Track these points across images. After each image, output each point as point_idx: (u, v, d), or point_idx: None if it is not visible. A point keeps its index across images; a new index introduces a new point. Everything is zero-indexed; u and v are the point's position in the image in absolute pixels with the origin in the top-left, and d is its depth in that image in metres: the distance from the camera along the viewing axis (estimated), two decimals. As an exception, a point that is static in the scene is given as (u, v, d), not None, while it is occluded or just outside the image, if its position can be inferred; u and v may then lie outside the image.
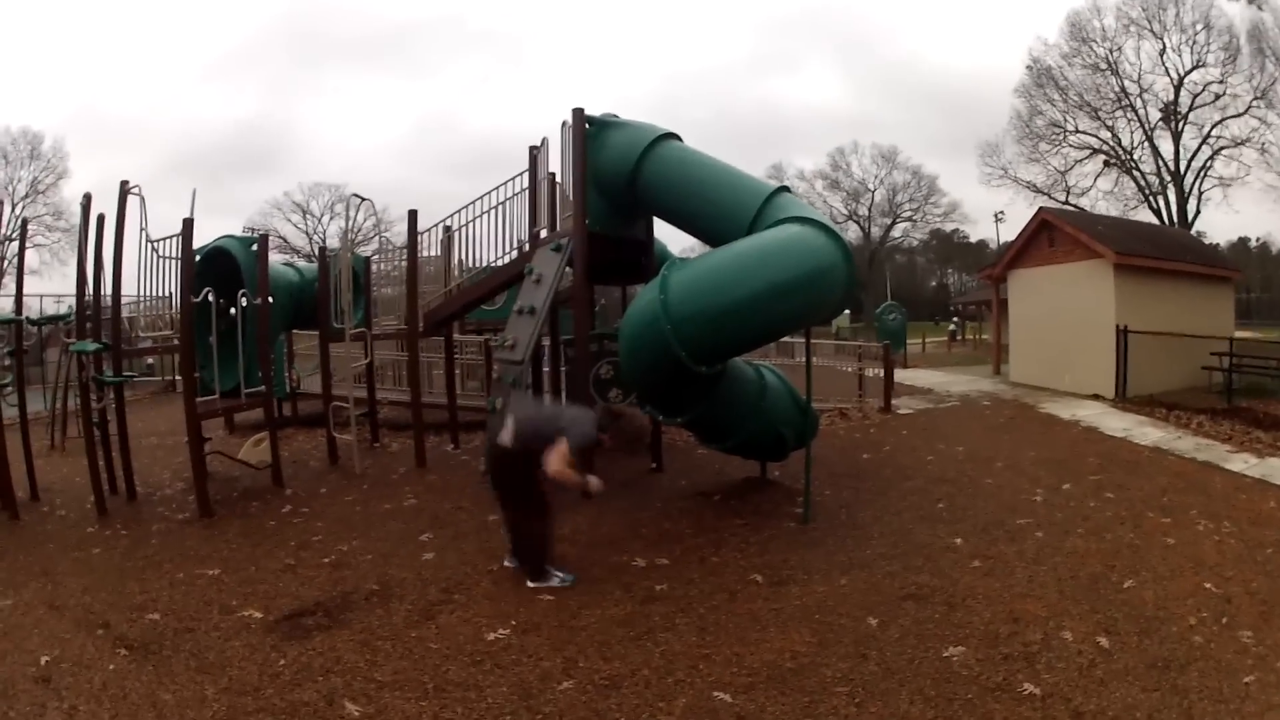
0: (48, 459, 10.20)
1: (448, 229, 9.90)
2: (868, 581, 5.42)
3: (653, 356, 6.08)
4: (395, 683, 4.22)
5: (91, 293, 8.25)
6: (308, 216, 51.72)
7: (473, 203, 9.46)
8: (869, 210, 61.13)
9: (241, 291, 8.65)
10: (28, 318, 8.86)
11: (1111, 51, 35.58)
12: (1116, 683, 4.05)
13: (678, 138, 7.76)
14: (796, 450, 7.59)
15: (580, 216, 7.66)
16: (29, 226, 34.93)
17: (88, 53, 63.11)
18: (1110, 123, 36.67)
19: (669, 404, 6.80)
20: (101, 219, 8.14)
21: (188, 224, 7.84)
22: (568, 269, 7.95)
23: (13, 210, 37.71)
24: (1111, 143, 36.94)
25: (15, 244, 32.87)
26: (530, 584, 5.50)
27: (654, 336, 5.89)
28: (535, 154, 8.87)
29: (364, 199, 9.59)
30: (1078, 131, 37.50)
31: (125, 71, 62.94)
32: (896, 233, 63.61)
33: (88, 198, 8.10)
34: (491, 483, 5.79)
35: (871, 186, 60.34)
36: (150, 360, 19.35)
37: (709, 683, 4.15)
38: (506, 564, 5.85)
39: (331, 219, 50.43)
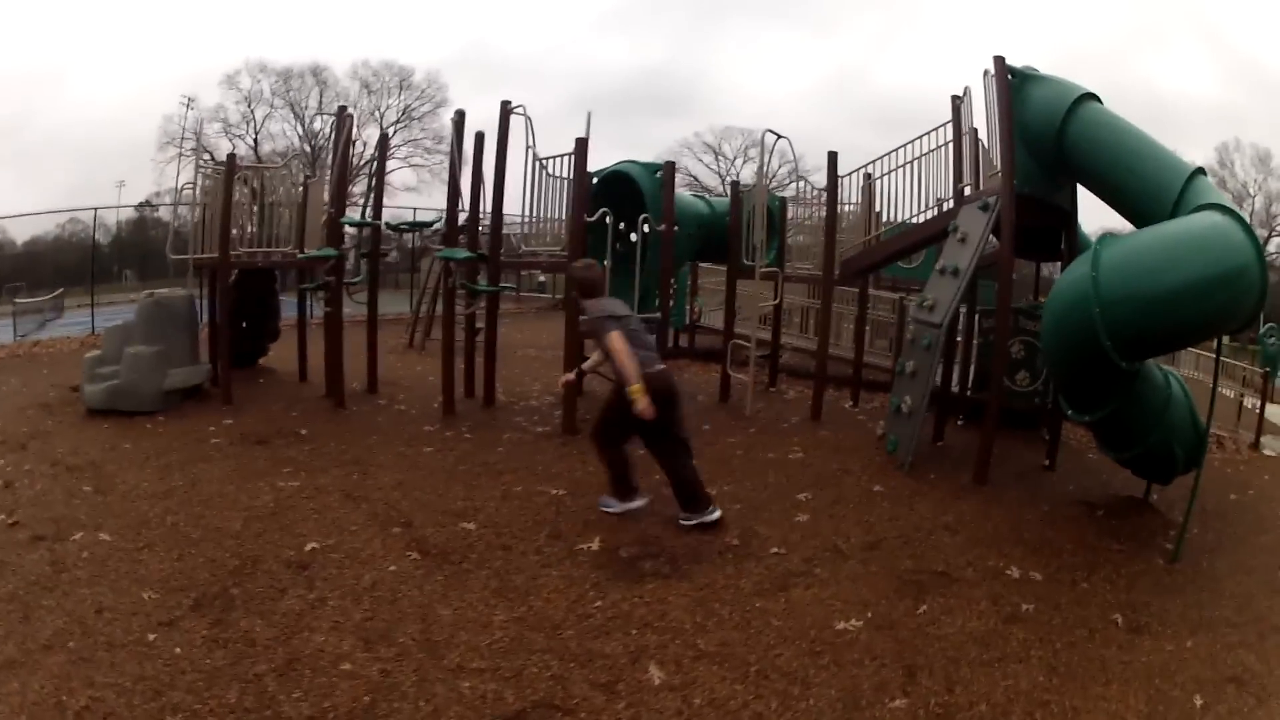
0: (403, 357, 11.42)
1: (868, 176, 9.66)
2: (1209, 649, 4.55)
3: (1075, 340, 5.75)
4: (717, 655, 3.91)
5: (469, 205, 8.98)
6: (720, 158, 53.39)
7: (889, 154, 9.17)
8: (1250, 218, 47.55)
9: (643, 216, 8.86)
10: (387, 223, 9.92)
11: None
12: None
13: (1098, 99, 7.21)
14: (1183, 474, 6.86)
15: (1009, 174, 7.24)
16: (406, 148, 40.18)
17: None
18: None
19: (1082, 398, 6.34)
20: (481, 136, 8.79)
21: (581, 143, 8.20)
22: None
23: (382, 128, 42.11)
24: None
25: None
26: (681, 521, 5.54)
27: (1080, 318, 5.53)
28: (958, 104, 8.32)
29: (780, 135, 9.42)
30: None
31: (514, 18, 69.25)
32: (1272, 247, 49.33)
33: (459, 114, 8.79)
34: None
35: (1252, 192, 48.39)
36: (542, 277, 21.42)
37: (1035, 736, 3.55)
38: (605, 508, 5.78)
39: (745, 162, 51.40)
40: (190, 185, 9.69)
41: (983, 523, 6.05)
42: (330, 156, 9.95)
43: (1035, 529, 6.08)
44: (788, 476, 6.85)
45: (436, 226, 9.49)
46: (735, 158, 52.05)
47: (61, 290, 21.97)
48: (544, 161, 8.72)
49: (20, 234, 33.58)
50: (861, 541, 5.48)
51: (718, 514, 5.62)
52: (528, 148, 8.60)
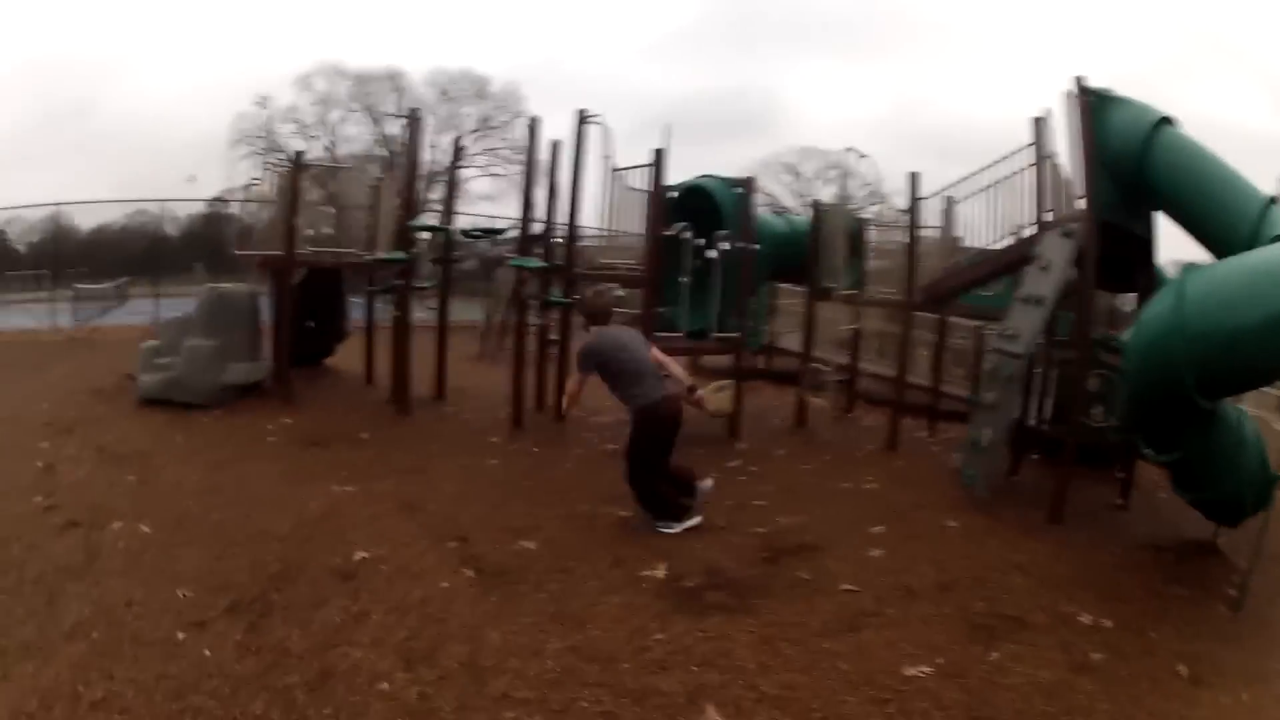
0: (474, 365, 11.34)
1: (949, 199, 9.31)
2: (1263, 702, 4.32)
3: (1157, 377, 5.63)
4: (779, 699, 3.61)
5: (545, 214, 8.82)
6: (799, 178, 53.44)
7: (968, 177, 8.85)
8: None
9: (721, 232, 8.61)
10: (463, 230, 9.84)
11: None
12: None
13: (1176, 122, 7.11)
14: (1251, 517, 6.51)
15: (1091, 199, 7.08)
16: (484, 157, 40.18)
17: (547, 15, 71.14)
18: None
19: (1159, 437, 6.19)
20: (556, 145, 8.63)
21: (659, 154, 7.94)
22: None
23: (456, 140, 43.31)
24: None
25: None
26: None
27: (1164, 354, 5.43)
28: (1040, 126, 7.95)
29: (863, 155, 9.29)
30: None
31: (588, 37, 70.59)
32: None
33: (534, 120, 8.64)
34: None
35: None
36: (621, 291, 21.27)
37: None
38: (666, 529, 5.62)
39: (824, 183, 51.44)
40: (257, 181, 9.63)
41: (1055, 564, 5.80)
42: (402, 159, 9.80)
43: (1106, 573, 5.84)
44: (861, 508, 6.57)
45: (509, 234, 9.26)
46: (815, 178, 51.94)
47: (126, 279, 22.21)
48: (621, 172, 8.51)
49: (86, 221, 34.59)
50: (934, 580, 5.19)
51: (695, 521, 5.65)
52: (605, 157, 8.42)
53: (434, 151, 32.84)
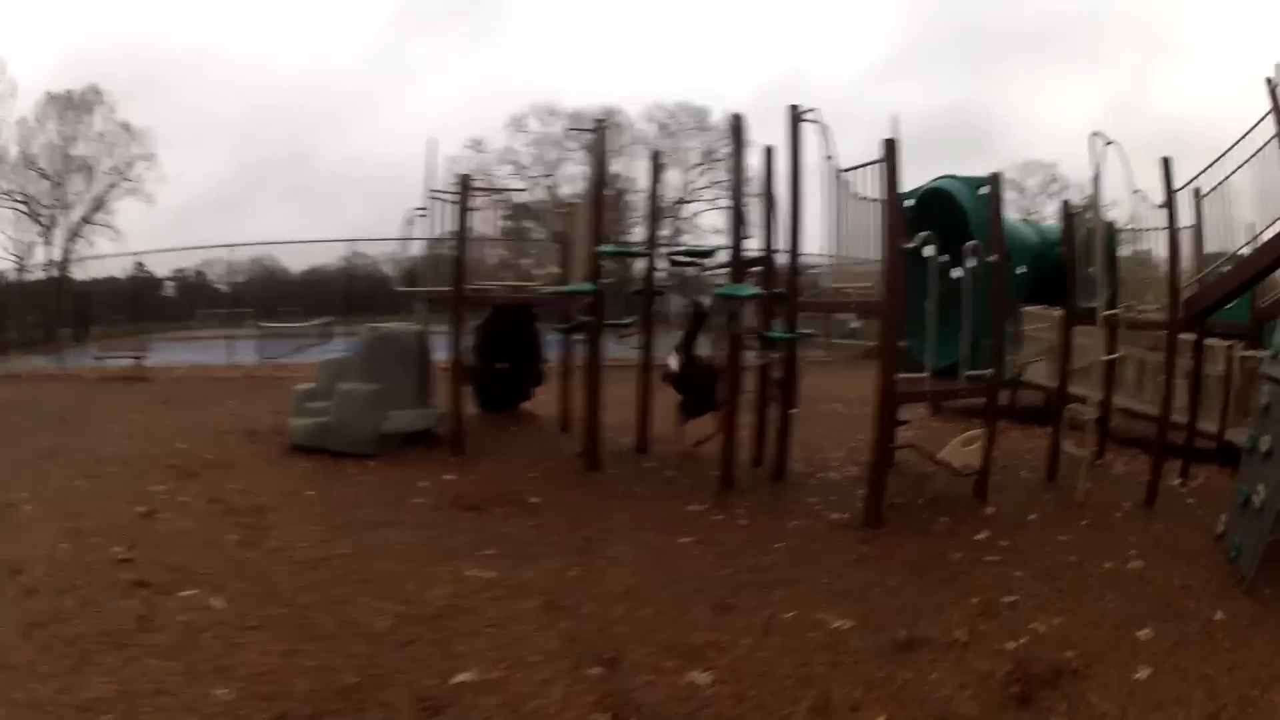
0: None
1: (1197, 192, 8.07)
2: None
3: None
4: None
5: (762, 231, 7.72)
6: (1024, 193, 50.47)
7: (1215, 162, 7.66)
8: None
9: (972, 244, 6.99)
10: (669, 254, 8.75)
11: None
12: None
13: None
14: None
15: None
16: (709, 191, 41.92)
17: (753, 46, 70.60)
18: None
19: None
20: (770, 151, 7.64)
21: (890, 144, 6.31)
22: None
23: (685, 175, 44.20)
24: None
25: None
26: None
27: None
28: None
29: (1110, 141, 7.48)
30: None
31: (807, 65, 71.03)
32: None
33: (736, 118, 7.47)
34: None
35: None
36: (856, 324, 19.34)
37: None
38: None
39: (1049, 198, 48.19)
40: (422, 212, 8.97)
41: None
42: (589, 177, 8.87)
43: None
44: (1126, 600, 5.13)
45: (721, 256, 7.97)
46: (1038, 194, 48.43)
47: (331, 318, 22.97)
48: (843, 175, 7.00)
49: (298, 263, 37.31)
50: (1202, 713, 3.83)
51: None
52: (827, 158, 6.98)
53: (661, 187, 33.03)
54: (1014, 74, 69.90)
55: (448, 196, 8.67)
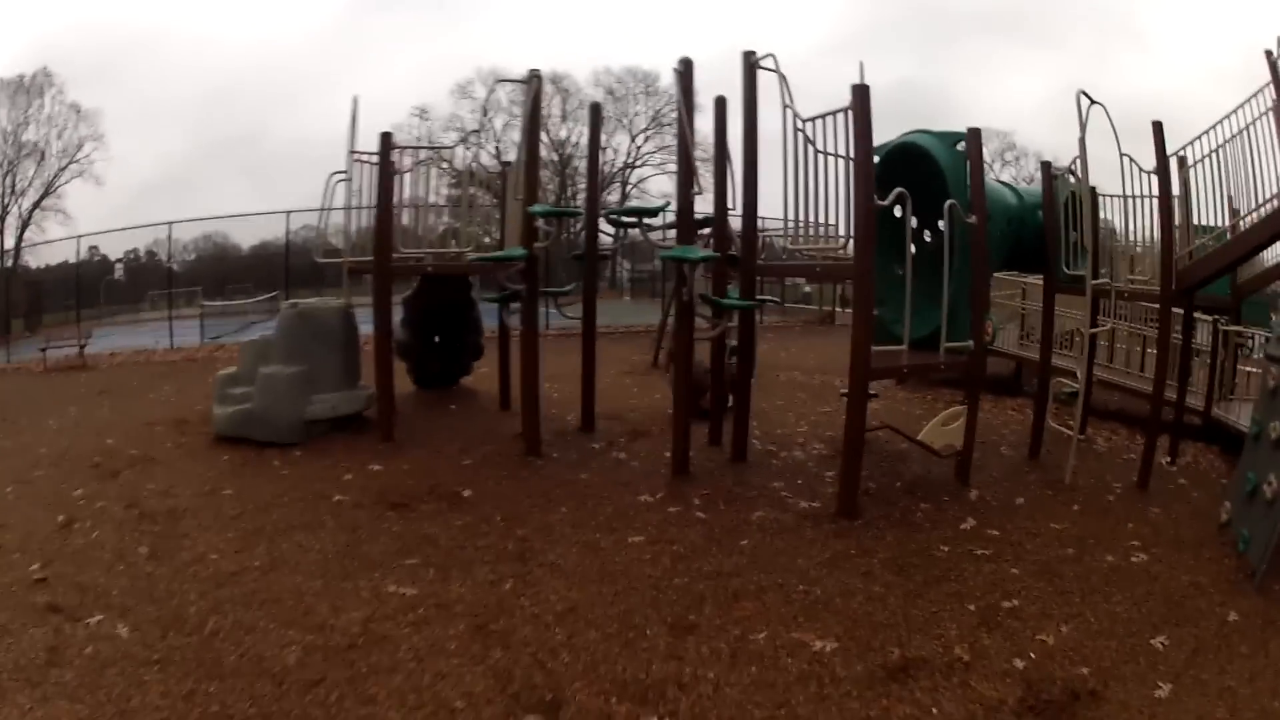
0: (642, 380, 10.11)
1: (1181, 161, 7.84)
2: None
3: None
4: None
5: (714, 188, 7.15)
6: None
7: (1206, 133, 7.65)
8: None
9: (950, 202, 6.56)
10: (607, 213, 8.10)
11: None
12: None
13: None
14: None
15: None
16: (660, 155, 43.73)
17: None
18: None
19: None
20: (721, 101, 7.13)
21: (860, 90, 5.80)
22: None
23: (632, 140, 46.26)
24: None
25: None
26: None
27: None
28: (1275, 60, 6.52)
29: (1094, 101, 7.11)
30: None
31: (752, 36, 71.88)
32: None
33: (684, 63, 6.90)
34: None
35: None
36: (809, 288, 19.08)
37: None
38: None
39: (1002, 167, 48.70)
40: (343, 175, 8.32)
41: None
42: (521, 133, 8.13)
43: None
44: (1134, 600, 4.79)
45: (667, 214, 7.40)
46: (993, 161, 48.98)
47: (277, 293, 21.95)
48: (803, 126, 6.37)
49: (247, 238, 36.04)
50: None
51: None
52: (785, 107, 6.34)
53: (607, 153, 32.36)
54: (969, 54, 71.06)
55: (369, 158, 8.01)
